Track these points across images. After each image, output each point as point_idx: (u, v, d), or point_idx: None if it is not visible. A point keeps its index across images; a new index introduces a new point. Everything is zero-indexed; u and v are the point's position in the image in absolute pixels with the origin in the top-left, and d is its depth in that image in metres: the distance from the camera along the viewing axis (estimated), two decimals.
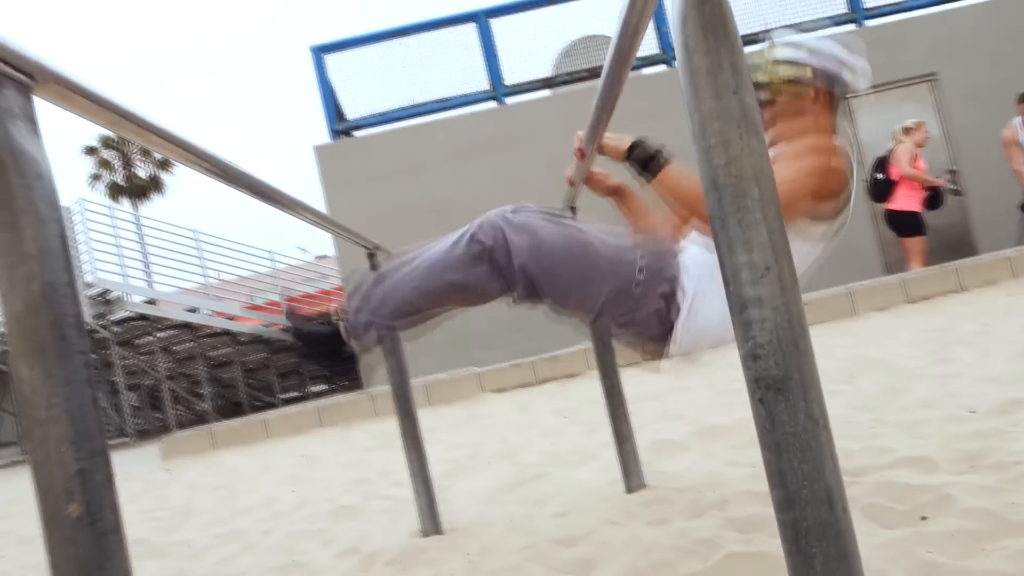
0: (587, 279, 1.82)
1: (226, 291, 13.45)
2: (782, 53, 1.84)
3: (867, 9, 9.02)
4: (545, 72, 8.93)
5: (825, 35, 1.89)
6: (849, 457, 2.37)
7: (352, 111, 9.20)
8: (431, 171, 8.67)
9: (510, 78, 8.93)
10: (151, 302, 12.19)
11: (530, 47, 8.76)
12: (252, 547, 2.88)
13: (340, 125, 9.14)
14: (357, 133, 9.36)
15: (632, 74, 8.95)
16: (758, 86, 1.82)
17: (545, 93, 9.13)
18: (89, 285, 11.12)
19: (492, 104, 9.03)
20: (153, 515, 4.06)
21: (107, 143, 38.12)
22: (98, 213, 11.30)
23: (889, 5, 9.03)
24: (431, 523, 2.50)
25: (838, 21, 8.75)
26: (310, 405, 7.14)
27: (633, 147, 1.81)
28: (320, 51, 9.04)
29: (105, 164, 38.02)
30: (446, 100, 8.96)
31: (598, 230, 1.92)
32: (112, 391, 12.47)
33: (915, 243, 7.05)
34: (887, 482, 2.06)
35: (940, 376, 3.34)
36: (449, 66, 8.84)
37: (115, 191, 38.09)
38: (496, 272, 1.84)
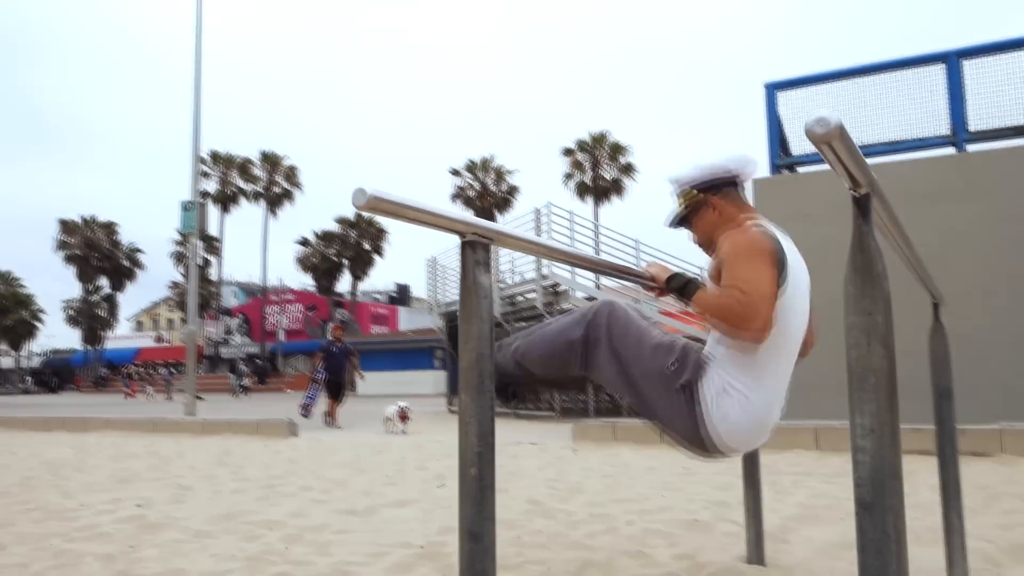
0: (633, 359, 2.13)
1: (651, 297, 14.47)
2: (676, 189, 2.34)
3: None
4: (1019, 120, 8.13)
5: (699, 159, 2.34)
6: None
7: (797, 147, 9.40)
8: None
9: (975, 124, 8.31)
10: (591, 299, 13.75)
11: (1004, 92, 8.05)
12: (614, 531, 3.54)
13: (782, 160, 9.39)
14: (800, 169, 9.52)
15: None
16: (684, 213, 2.34)
17: (1017, 142, 8.32)
18: (544, 277, 13.02)
19: (950, 150, 8.50)
20: (553, 485, 4.99)
21: (582, 147, 42.75)
22: (560, 216, 13.11)
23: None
24: (755, 554, 2.89)
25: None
26: None
27: (670, 279, 2.21)
28: (774, 87, 9.38)
29: (577, 165, 42.78)
30: (897, 143, 8.68)
31: (661, 329, 2.23)
32: None
33: None
34: None
35: None
36: (904, 108, 8.53)
37: (582, 190, 42.67)
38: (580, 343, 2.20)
